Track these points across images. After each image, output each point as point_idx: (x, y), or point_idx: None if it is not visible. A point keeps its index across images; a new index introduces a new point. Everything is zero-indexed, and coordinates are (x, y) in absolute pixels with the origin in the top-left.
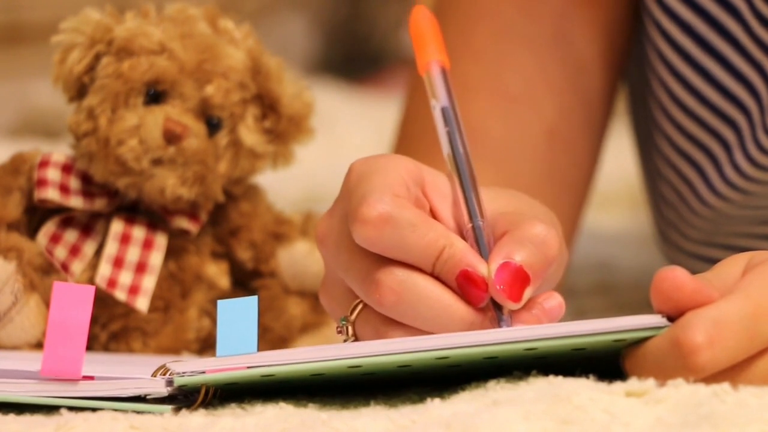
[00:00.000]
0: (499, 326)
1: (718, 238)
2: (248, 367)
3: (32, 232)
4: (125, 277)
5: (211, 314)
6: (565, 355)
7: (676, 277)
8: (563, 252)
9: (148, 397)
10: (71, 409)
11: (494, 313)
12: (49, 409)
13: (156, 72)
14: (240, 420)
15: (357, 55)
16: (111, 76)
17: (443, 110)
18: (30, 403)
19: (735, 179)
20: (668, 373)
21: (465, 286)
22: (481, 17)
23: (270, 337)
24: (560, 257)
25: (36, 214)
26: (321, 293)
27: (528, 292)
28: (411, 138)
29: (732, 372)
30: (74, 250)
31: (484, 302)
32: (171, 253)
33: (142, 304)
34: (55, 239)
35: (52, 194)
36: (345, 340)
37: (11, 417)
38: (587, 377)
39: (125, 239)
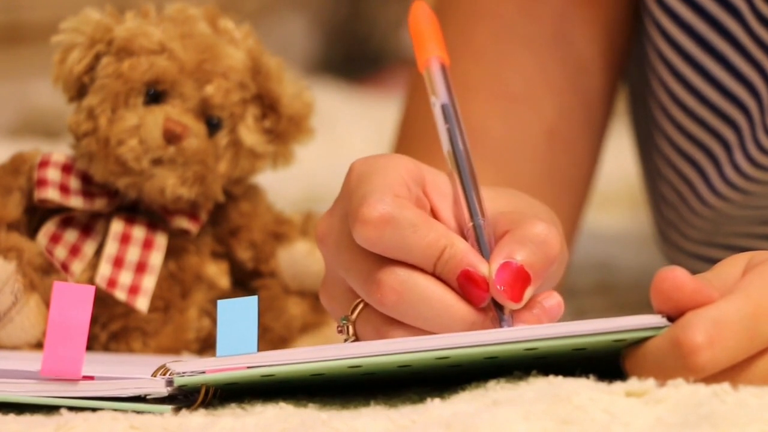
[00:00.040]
0: (501, 326)
1: (718, 238)
2: (248, 367)
3: (32, 232)
4: (125, 277)
5: (211, 314)
6: (566, 355)
7: (676, 277)
8: (564, 252)
9: (148, 397)
10: (71, 409)
11: (495, 312)
12: (49, 409)
13: (156, 72)
14: (240, 420)
15: (357, 55)
16: (111, 76)
17: (443, 107)
18: (30, 403)
19: (735, 179)
20: (668, 373)
21: (466, 286)
22: (481, 17)
23: (270, 337)
24: (561, 257)
25: (36, 214)
26: (321, 293)
27: (529, 292)
28: (411, 138)
29: (732, 372)
30: (74, 250)
31: (485, 302)
32: (171, 253)
33: (142, 304)
34: (55, 239)
35: (52, 194)
36: (346, 340)
37: (11, 417)
38: (587, 377)
39: (125, 239)
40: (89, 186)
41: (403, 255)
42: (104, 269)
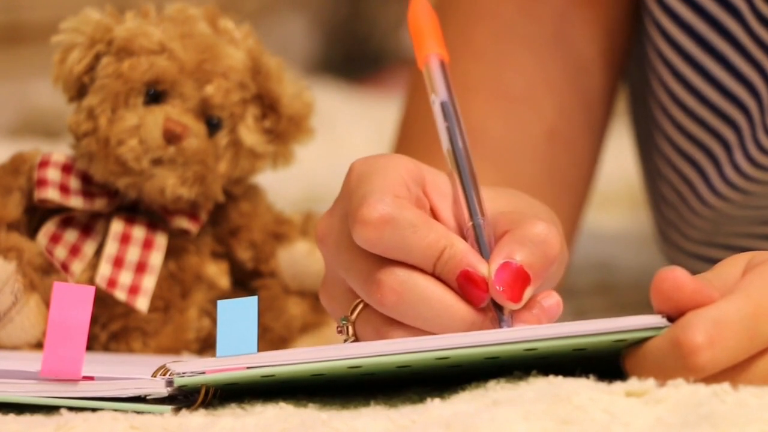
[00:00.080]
0: (500, 326)
1: (718, 238)
2: (248, 368)
3: (32, 232)
4: (125, 277)
5: (211, 314)
6: (566, 355)
7: (676, 277)
8: (564, 251)
9: (148, 397)
10: (71, 409)
11: (495, 313)
12: (49, 409)
13: (156, 72)
14: (240, 420)
15: (357, 55)
16: (111, 76)
17: (442, 105)
18: (30, 403)
19: (735, 179)
20: (668, 373)
21: (465, 286)
22: (481, 17)
23: (270, 337)
24: (561, 256)
25: (36, 214)
26: (321, 293)
27: (528, 292)
28: (411, 138)
29: (732, 372)
30: (74, 250)
31: (484, 302)
32: (171, 253)
33: (142, 304)
34: (55, 239)
35: (52, 194)
36: (345, 340)
37: (11, 417)
38: (587, 377)
39: (125, 239)
40: (89, 186)
41: (403, 255)
42: (104, 269)
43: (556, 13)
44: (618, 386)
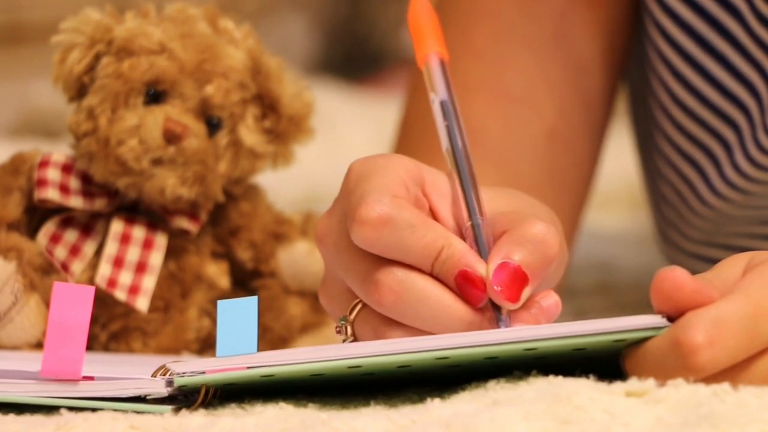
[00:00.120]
0: (498, 326)
1: (718, 238)
2: (248, 368)
3: (32, 232)
4: (125, 277)
5: (211, 314)
6: (565, 355)
7: (676, 277)
8: (564, 251)
9: (148, 397)
10: (71, 409)
11: (493, 313)
12: (49, 409)
13: (156, 72)
14: (240, 420)
15: (357, 55)
16: (111, 76)
17: (442, 104)
18: (30, 403)
19: (735, 179)
20: (668, 373)
21: (463, 286)
22: (481, 17)
23: (270, 337)
24: (561, 256)
25: (36, 214)
26: (320, 293)
27: (527, 292)
28: (411, 138)
29: (732, 372)
30: (74, 250)
31: (482, 302)
32: (171, 253)
33: (142, 304)
34: (55, 239)
35: (52, 194)
36: (344, 340)
37: (11, 417)
38: (587, 377)
39: (125, 239)
40: (89, 186)
41: (401, 255)
42: (104, 269)
43: (556, 13)
44: (618, 386)
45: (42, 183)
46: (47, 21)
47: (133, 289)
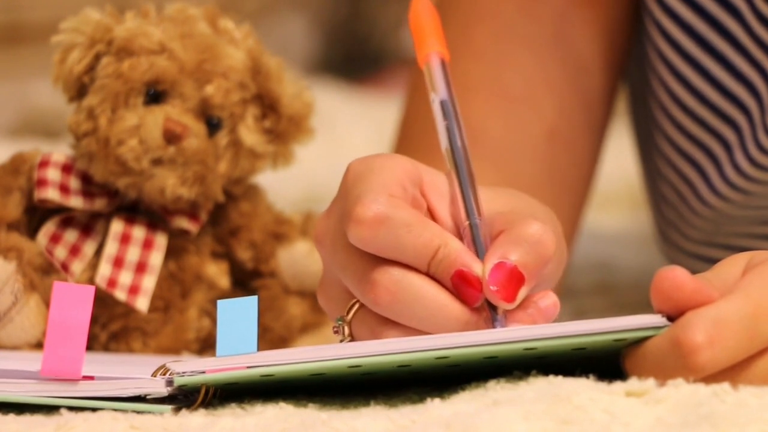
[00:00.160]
0: (494, 326)
1: (718, 238)
2: (248, 367)
3: (32, 232)
4: (125, 277)
5: (211, 314)
6: (565, 355)
7: (676, 277)
8: (562, 251)
9: (148, 397)
10: (71, 409)
11: (489, 312)
12: (49, 409)
13: (156, 72)
14: (240, 420)
15: (357, 55)
16: (111, 76)
17: (442, 103)
18: (30, 403)
19: (735, 179)
20: (668, 372)
21: (460, 286)
22: (481, 17)
23: (270, 337)
24: (559, 256)
25: (36, 214)
26: (319, 293)
27: (523, 292)
28: (411, 138)
29: (732, 372)
30: (74, 250)
31: (479, 302)
32: (171, 253)
33: (142, 304)
34: (55, 239)
35: (52, 194)
36: (341, 341)
37: (11, 417)
38: (587, 377)
39: (125, 239)
40: (89, 186)
41: (398, 255)
42: (104, 269)
43: (556, 13)
44: (618, 386)
45: (42, 183)
46: (47, 21)
47: (133, 289)
